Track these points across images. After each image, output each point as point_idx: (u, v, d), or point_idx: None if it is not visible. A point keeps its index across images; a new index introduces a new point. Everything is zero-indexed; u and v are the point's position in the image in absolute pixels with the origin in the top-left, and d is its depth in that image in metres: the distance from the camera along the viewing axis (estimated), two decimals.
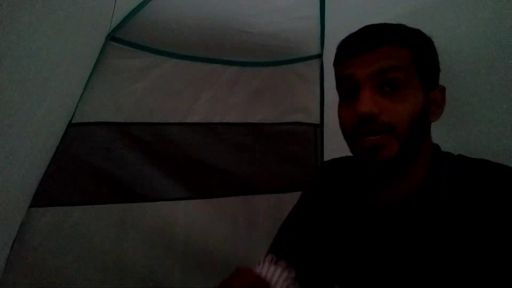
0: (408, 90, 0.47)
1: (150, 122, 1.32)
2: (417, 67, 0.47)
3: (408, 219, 0.49)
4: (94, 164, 1.23)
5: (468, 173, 0.46)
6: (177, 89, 1.35)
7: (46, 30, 0.67)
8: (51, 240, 1.16)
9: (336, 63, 0.54)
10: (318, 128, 1.54)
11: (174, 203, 1.35)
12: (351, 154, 0.54)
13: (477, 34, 0.80)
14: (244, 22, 1.24)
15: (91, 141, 1.23)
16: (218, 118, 1.42)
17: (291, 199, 1.52)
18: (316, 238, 0.65)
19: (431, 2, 0.90)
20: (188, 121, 1.38)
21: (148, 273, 1.30)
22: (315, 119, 1.53)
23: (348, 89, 0.51)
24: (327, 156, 1.55)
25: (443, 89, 0.53)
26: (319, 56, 1.44)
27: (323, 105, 1.49)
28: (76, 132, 1.20)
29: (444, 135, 0.88)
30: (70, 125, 1.19)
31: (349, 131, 0.51)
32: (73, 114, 1.19)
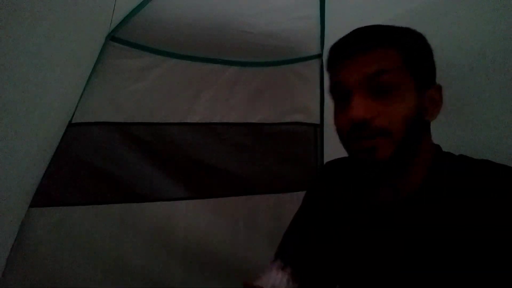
0: (400, 92, 0.46)
1: (150, 122, 1.32)
2: (409, 68, 0.47)
3: (408, 218, 0.49)
4: (94, 164, 1.23)
5: (468, 173, 0.46)
6: (177, 89, 1.35)
7: (45, 30, 0.67)
8: (51, 240, 1.16)
9: (328, 68, 0.55)
10: (318, 128, 1.55)
11: (174, 203, 1.35)
12: None
13: (477, 34, 0.80)
14: (244, 22, 1.24)
15: (91, 141, 1.23)
16: (218, 118, 1.42)
17: (291, 199, 1.53)
18: (317, 239, 0.65)
19: (431, 2, 0.90)
20: (188, 121, 1.38)
21: (148, 273, 1.30)
22: (315, 119, 1.53)
23: (341, 93, 0.51)
24: (327, 156, 1.55)
25: (439, 88, 0.52)
26: (319, 56, 1.44)
27: (323, 105, 1.49)
28: (76, 132, 1.20)
29: (444, 135, 0.88)
30: (70, 125, 1.19)
31: (345, 135, 0.51)
32: (73, 114, 1.19)
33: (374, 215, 0.53)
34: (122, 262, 1.26)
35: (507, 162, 0.46)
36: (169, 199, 1.34)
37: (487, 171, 0.46)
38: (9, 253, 1.07)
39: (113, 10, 1.00)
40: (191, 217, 1.37)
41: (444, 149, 0.53)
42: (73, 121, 1.19)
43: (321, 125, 1.54)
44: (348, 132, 0.50)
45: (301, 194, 1.49)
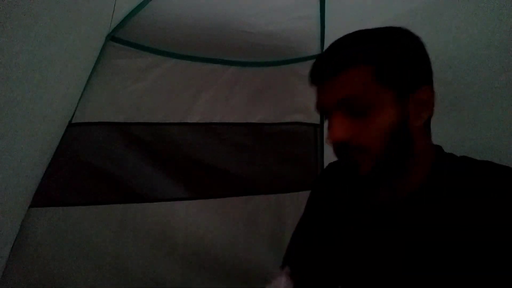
0: (377, 109, 0.46)
1: (150, 122, 1.32)
2: (383, 82, 0.46)
3: (409, 218, 0.49)
4: (94, 164, 1.23)
5: (469, 173, 0.46)
6: (177, 89, 1.35)
7: (45, 30, 0.67)
8: (51, 240, 1.16)
9: (310, 86, 0.55)
10: (318, 128, 1.55)
11: (174, 203, 1.35)
12: None
13: (477, 34, 0.80)
14: (244, 22, 1.24)
15: (91, 141, 1.23)
16: (218, 118, 1.42)
17: (291, 199, 1.53)
18: (320, 240, 0.65)
19: (431, 2, 0.90)
20: (188, 121, 1.38)
21: (148, 273, 1.30)
22: (315, 119, 1.53)
23: (323, 112, 0.52)
24: (327, 156, 1.55)
25: (428, 88, 0.50)
26: None
27: None
28: (76, 132, 1.20)
29: (444, 135, 0.88)
30: (70, 125, 1.19)
31: (334, 149, 0.52)
32: (73, 114, 1.19)
33: (375, 215, 0.53)
34: (121, 262, 1.26)
35: (506, 162, 0.46)
36: (169, 199, 1.34)
37: (488, 172, 0.46)
38: (9, 253, 1.07)
39: (113, 10, 1.00)
40: (191, 218, 1.37)
41: (444, 149, 0.53)
42: (73, 121, 1.20)
43: (321, 125, 1.54)
44: (335, 149, 0.52)
45: (301, 194, 1.52)
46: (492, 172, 0.46)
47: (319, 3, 1.26)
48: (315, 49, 1.41)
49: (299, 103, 1.49)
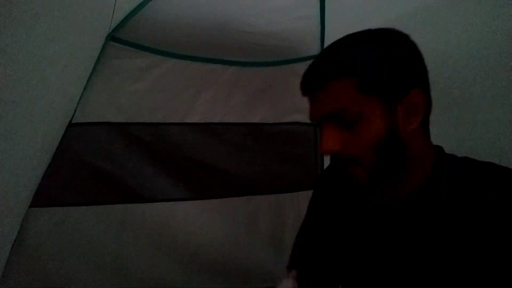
0: (365, 119, 0.46)
1: (150, 122, 1.32)
2: (368, 91, 0.45)
3: (409, 218, 0.49)
4: (94, 164, 1.24)
5: (469, 174, 0.46)
6: (177, 89, 1.35)
7: (45, 30, 0.67)
8: (51, 240, 1.16)
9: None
10: (318, 128, 1.55)
11: (174, 203, 1.35)
12: None
13: (477, 34, 0.80)
14: (244, 22, 1.24)
15: (91, 141, 1.23)
16: (218, 118, 1.42)
17: (291, 199, 1.53)
18: (321, 240, 0.65)
19: (431, 3, 0.90)
20: (188, 121, 1.38)
21: (148, 273, 1.30)
22: None
23: (316, 123, 0.53)
24: (327, 156, 1.55)
25: (419, 91, 0.48)
26: None
27: None
28: (76, 132, 1.20)
29: (444, 135, 0.88)
30: (70, 125, 1.19)
31: (330, 157, 0.53)
32: (73, 114, 1.19)
33: (376, 215, 0.53)
34: (121, 262, 1.26)
35: (506, 162, 0.46)
36: (169, 199, 1.34)
37: (489, 173, 0.45)
38: (9, 253, 1.07)
39: (113, 10, 1.00)
40: (191, 218, 1.37)
41: (445, 148, 0.53)
42: (73, 121, 1.20)
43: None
44: (330, 157, 0.52)
45: (301, 194, 1.52)
46: (492, 172, 0.46)
47: (319, 3, 1.26)
48: (315, 49, 1.42)
49: (299, 103, 1.49)
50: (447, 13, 0.86)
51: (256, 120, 1.48)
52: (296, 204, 1.53)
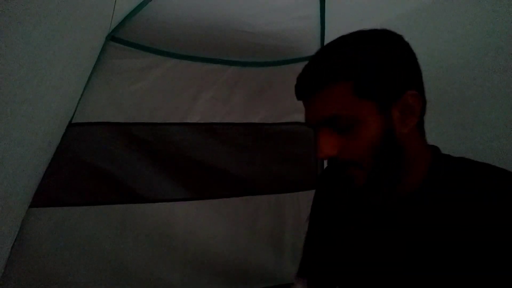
0: (361, 123, 0.46)
1: (150, 122, 1.32)
2: (363, 94, 0.45)
3: (408, 219, 0.49)
4: (94, 164, 1.23)
5: (466, 174, 0.46)
6: (177, 89, 1.35)
7: (45, 30, 0.67)
8: (51, 240, 1.16)
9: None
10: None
11: (174, 203, 1.35)
12: None
13: (477, 34, 0.80)
14: (244, 22, 1.24)
15: (91, 141, 1.23)
16: (218, 118, 1.42)
17: (291, 199, 1.53)
18: (320, 240, 0.65)
19: (431, 3, 0.90)
20: (188, 121, 1.38)
21: (148, 273, 1.30)
22: None
23: (311, 127, 0.52)
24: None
25: (414, 93, 0.47)
26: None
27: None
28: (76, 132, 1.20)
29: (444, 135, 0.88)
30: (70, 125, 1.19)
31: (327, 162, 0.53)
32: (73, 114, 1.19)
33: (375, 215, 0.53)
34: (122, 263, 1.26)
35: (506, 162, 0.46)
36: (169, 199, 1.34)
37: (486, 173, 0.46)
38: (9, 253, 1.07)
39: (113, 10, 1.00)
40: (191, 218, 1.37)
41: (445, 149, 0.53)
42: (73, 121, 1.20)
43: None
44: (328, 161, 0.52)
45: (301, 194, 1.52)
46: (489, 173, 0.46)
47: (319, 3, 1.26)
48: (315, 49, 1.39)
49: (299, 103, 1.45)
50: (447, 13, 0.86)
51: (256, 120, 1.48)
52: (296, 204, 1.53)
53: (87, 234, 1.22)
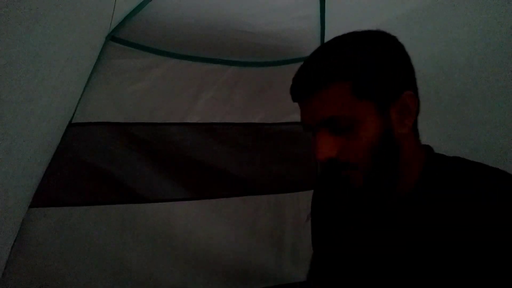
0: (358, 125, 0.45)
1: (150, 122, 1.32)
2: (362, 94, 0.45)
3: (406, 218, 0.49)
4: (94, 164, 1.24)
5: (461, 174, 0.46)
6: (177, 89, 1.35)
7: (45, 30, 0.67)
8: (51, 240, 1.17)
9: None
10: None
11: (174, 203, 1.35)
12: None
13: (477, 34, 0.80)
14: (244, 22, 1.24)
15: (91, 141, 1.23)
16: (218, 118, 1.42)
17: (291, 199, 1.53)
18: (320, 240, 0.65)
19: (431, 3, 0.90)
20: (188, 121, 1.38)
21: (148, 273, 1.30)
22: None
23: (308, 129, 0.51)
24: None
25: (410, 92, 0.48)
26: None
27: None
28: (76, 132, 1.20)
29: (444, 135, 0.88)
30: (70, 125, 1.19)
31: (321, 166, 0.52)
32: (73, 114, 1.19)
33: (374, 215, 0.54)
34: (121, 262, 1.26)
35: (506, 161, 0.46)
36: (169, 199, 1.34)
37: (481, 173, 0.46)
38: (9, 253, 1.07)
39: (113, 10, 1.00)
40: (191, 218, 1.37)
41: (445, 149, 0.53)
42: (73, 121, 1.20)
43: None
44: (322, 166, 0.51)
45: (301, 194, 1.52)
46: (484, 172, 0.46)
47: (319, 3, 1.26)
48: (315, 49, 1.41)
49: None
50: (447, 13, 0.86)
51: (256, 120, 1.48)
52: (296, 204, 1.53)
53: (87, 234, 1.22)
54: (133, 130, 1.29)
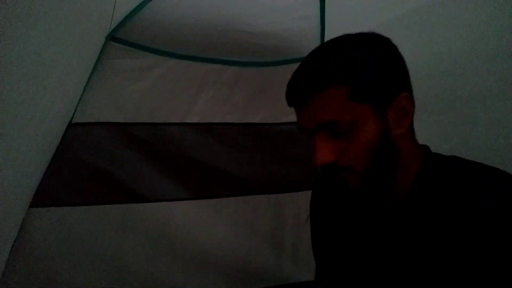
0: (356, 128, 0.45)
1: (150, 122, 1.32)
2: (358, 99, 0.45)
3: (405, 218, 0.49)
4: (94, 164, 1.24)
5: (459, 173, 0.47)
6: (177, 89, 1.35)
7: (46, 30, 0.67)
8: (51, 240, 1.17)
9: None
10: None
11: (174, 203, 1.35)
12: None
13: (477, 34, 0.80)
14: (244, 22, 1.24)
15: (91, 141, 1.23)
16: (218, 118, 1.42)
17: (291, 199, 1.54)
18: (320, 240, 0.65)
19: (431, 3, 0.90)
20: (188, 121, 1.38)
21: (148, 273, 1.30)
22: None
23: (305, 134, 0.51)
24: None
25: (406, 94, 0.47)
26: None
27: None
28: (76, 132, 1.20)
29: (444, 135, 0.88)
30: (70, 125, 1.19)
31: (319, 169, 0.52)
32: (73, 114, 1.19)
33: (374, 215, 0.54)
34: (121, 262, 1.26)
35: (505, 161, 0.46)
36: (169, 199, 1.34)
37: (479, 172, 0.46)
38: (9, 253, 1.07)
39: (113, 10, 1.00)
40: (190, 218, 1.37)
41: (444, 149, 0.54)
42: (73, 121, 1.20)
43: None
44: (320, 169, 0.51)
45: (301, 194, 1.52)
46: (482, 171, 0.46)
47: (319, 3, 1.26)
48: None
49: None
50: (447, 13, 0.86)
51: (256, 120, 1.48)
52: (296, 204, 1.53)
53: (87, 234, 1.22)
54: (133, 130, 1.30)
